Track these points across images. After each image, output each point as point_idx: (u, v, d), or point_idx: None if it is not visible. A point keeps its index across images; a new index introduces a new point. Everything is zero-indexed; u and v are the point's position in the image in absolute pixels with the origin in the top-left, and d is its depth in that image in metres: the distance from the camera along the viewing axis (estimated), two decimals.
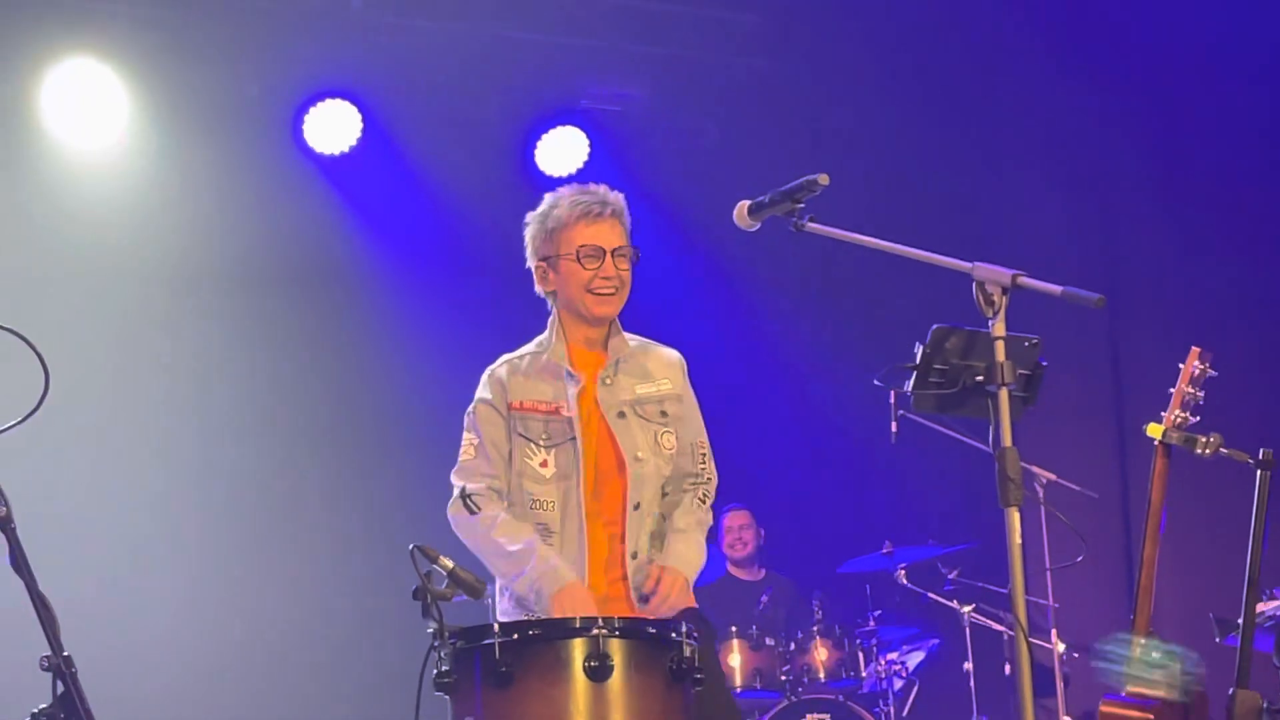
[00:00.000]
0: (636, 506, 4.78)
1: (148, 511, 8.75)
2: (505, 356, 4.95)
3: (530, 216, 4.93)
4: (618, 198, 4.88)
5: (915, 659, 8.58)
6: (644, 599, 4.73)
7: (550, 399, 4.83)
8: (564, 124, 9.57)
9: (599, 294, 4.81)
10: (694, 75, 9.57)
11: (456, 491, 4.82)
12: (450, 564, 4.16)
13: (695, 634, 4.28)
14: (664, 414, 4.88)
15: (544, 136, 9.57)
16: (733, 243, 9.40)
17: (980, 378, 4.14)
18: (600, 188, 4.88)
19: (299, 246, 9.14)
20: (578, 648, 4.12)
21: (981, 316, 4.10)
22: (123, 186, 8.81)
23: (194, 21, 8.72)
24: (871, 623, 8.47)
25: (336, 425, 9.22)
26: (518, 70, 9.32)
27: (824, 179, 4.40)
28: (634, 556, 4.77)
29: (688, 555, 4.84)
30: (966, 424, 7.71)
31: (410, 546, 4.14)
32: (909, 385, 4.27)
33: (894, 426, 7.86)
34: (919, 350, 4.24)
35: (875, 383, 4.42)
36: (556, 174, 9.59)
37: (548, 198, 4.91)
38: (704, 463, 4.99)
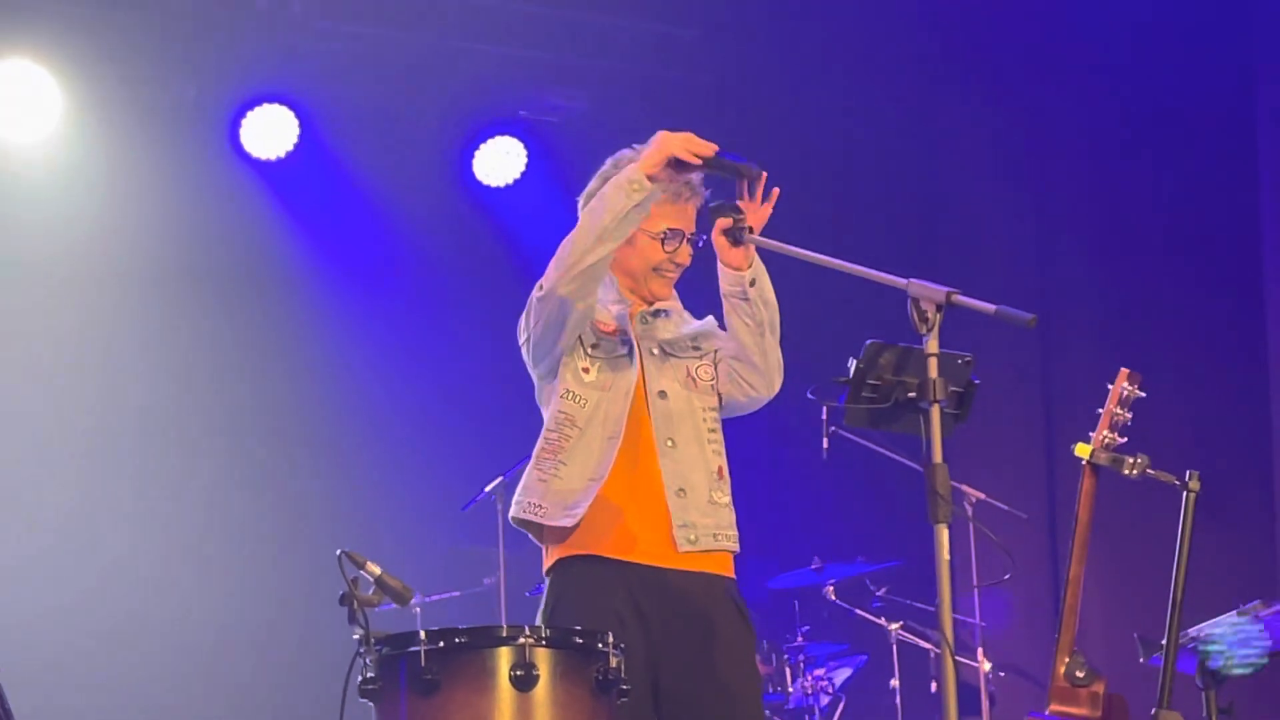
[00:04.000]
0: (670, 443, 4.65)
1: (72, 512, 8.69)
2: None
3: (607, 171, 4.70)
4: (699, 178, 4.71)
5: (842, 675, 8.59)
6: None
7: (612, 321, 4.73)
8: (502, 134, 9.56)
9: (664, 275, 4.78)
10: (634, 88, 9.57)
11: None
12: (377, 570, 4.14)
13: (621, 645, 4.27)
14: (697, 347, 4.80)
15: (482, 146, 9.56)
16: None
17: (913, 394, 4.16)
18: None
19: (233, 251, 9.12)
20: (503, 656, 4.11)
21: (915, 333, 4.12)
22: (56, 187, 8.76)
23: (130, 23, 8.68)
24: (799, 638, 8.48)
25: (267, 430, 9.19)
26: (457, 79, 9.32)
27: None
28: (680, 493, 4.62)
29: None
30: (897, 441, 7.75)
31: (338, 551, 4.12)
32: (842, 399, 4.29)
33: (825, 443, 7.91)
34: (852, 365, 4.26)
35: (809, 395, 4.45)
36: (493, 184, 9.60)
37: (627, 155, 4.67)
38: None
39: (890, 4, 9.26)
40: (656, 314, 4.80)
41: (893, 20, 9.29)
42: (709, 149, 4.51)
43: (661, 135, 4.53)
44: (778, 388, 4.86)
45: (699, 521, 4.64)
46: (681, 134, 4.52)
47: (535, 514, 4.64)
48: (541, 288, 4.57)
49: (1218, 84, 8.76)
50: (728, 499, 4.73)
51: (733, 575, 4.72)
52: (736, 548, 4.72)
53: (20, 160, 8.69)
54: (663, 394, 4.69)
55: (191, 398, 9.03)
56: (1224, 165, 8.76)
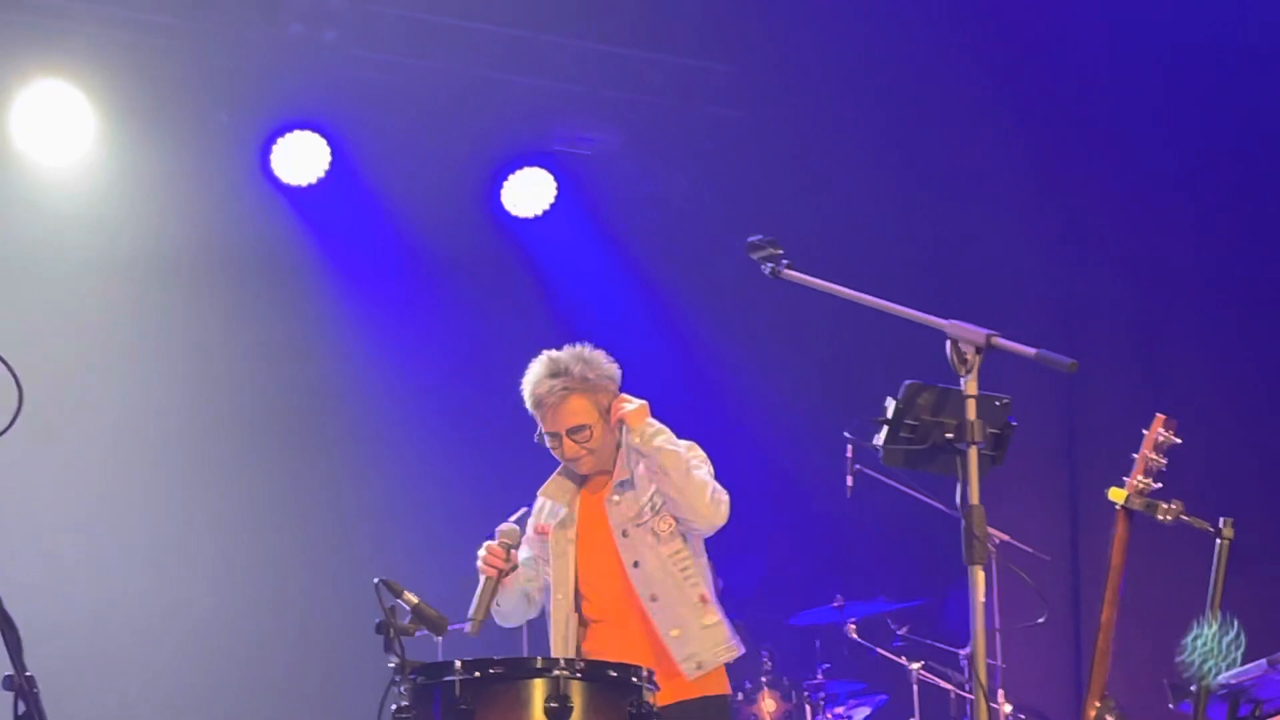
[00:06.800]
0: (654, 598, 5.37)
1: (103, 516, 8.72)
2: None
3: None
4: (583, 374, 5.48)
5: (862, 714, 8.57)
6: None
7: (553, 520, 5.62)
8: (532, 165, 9.59)
9: (572, 460, 5.52)
10: (666, 123, 9.61)
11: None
12: (415, 599, 4.17)
13: (654, 679, 4.28)
14: (652, 507, 5.46)
15: (511, 177, 9.58)
16: (697, 290, 9.46)
17: (950, 435, 4.16)
18: (567, 361, 5.49)
19: (264, 276, 9.14)
20: (538, 688, 4.14)
21: (950, 373, 4.12)
22: (88, 209, 8.78)
23: (164, 47, 8.70)
24: (820, 675, 8.47)
25: (296, 452, 9.19)
26: (488, 110, 9.34)
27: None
28: (676, 634, 5.34)
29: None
30: (921, 480, 7.74)
31: (375, 580, 4.14)
32: (879, 439, 4.29)
33: (849, 480, 7.89)
34: (890, 405, 4.26)
35: (845, 435, 4.47)
36: (522, 214, 9.62)
37: (530, 367, 5.58)
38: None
39: (924, 40, 9.27)
40: (622, 488, 5.50)
41: (927, 55, 9.31)
42: (495, 570, 5.33)
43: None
44: (718, 522, 5.49)
45: (697, 649, 5.36)
46: (484, 557, 5.34)
47: None
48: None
49: (1259, 122, 8.76)
50: (716, 617, 5.45)
51: (728, 691, 5.51)
52: (738, 651, 5.49)
53: (53, 182, 8.72)
54: (636, 564, 5.42)
55: (219, 419, 9.03)
56: (1263, 206, 8.75)
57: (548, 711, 4.09)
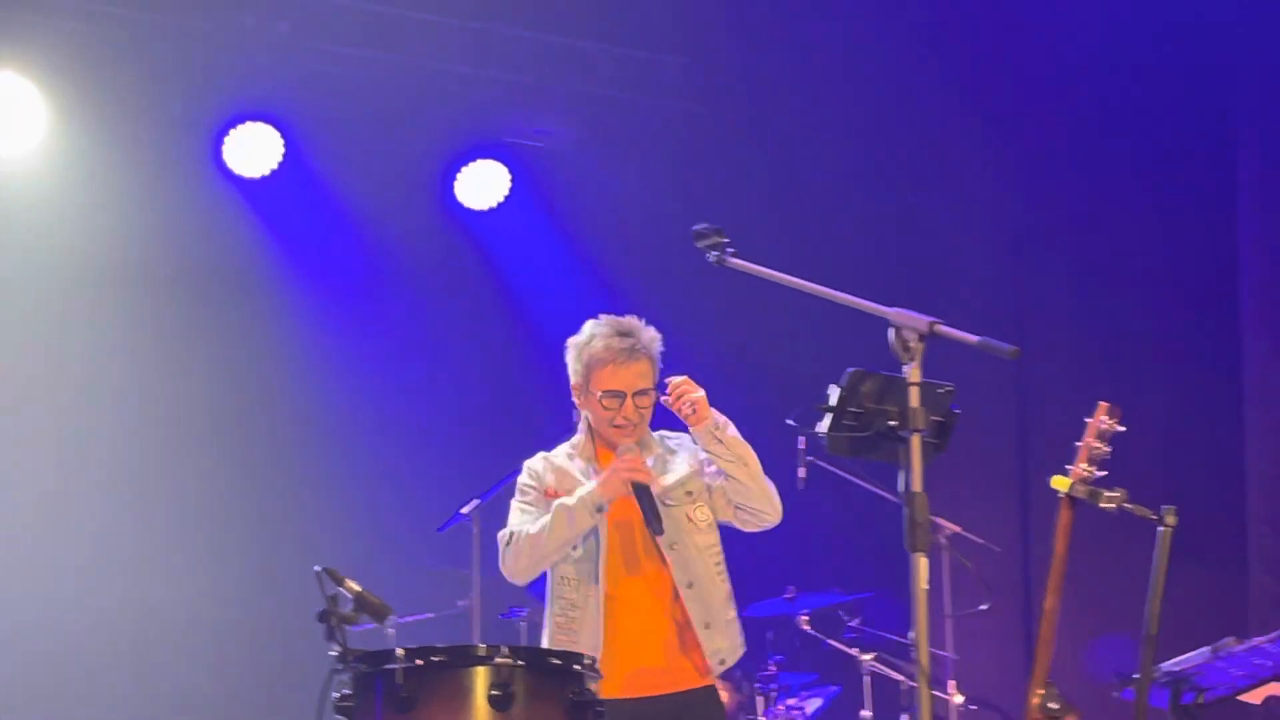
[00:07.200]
0: (690, 585, 5.27)
1: (45, 514, 8.67)
2: (542, 454, 5.47)
3: (570, 342, 5.39)
4: (651, 339, 5.34)
5: (814, 705, 8.57)
6: None
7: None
8: (486, 157, 9.58)
9: (617, 428, 5.29)
10: (619, 115, 9.62)
11: (506, 540, 5.27)
12: (357, 587, 4.15)
13: (596, 667, 4.28)
14: (689, 493, 5.35)
15: (464, 169, 9.57)
16: (650, 282, 9.45)
17: (894, 423, 4.18)
18: (636, 325, 5.33)
19: (216, 267, 9.11)
20: (480, 676, 4.12)
21: (894, 362, 4.14)
22: (40, 201, 8.74)
23: (117, 38, 8.67)
24: (772, 667, 8.46)
25: (245, 447, 9.16)
26: (442, 102, 9.34)
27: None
28: (707, 626, 5.27)
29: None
30: (873, 471, 7.77)
31: (317, 568, 4.12)
32: (823, 426, 4.30)
33: (801, 472, 7.90)
34: (834, 392, 4.27)
35: (789, 422, 4.48)
36: (475, 207, 9.61)
37: (587, 327, 5.37)
38: None
39: (874, 32, 9.31)
40: (652, 466, 5.28)
41: (876, 47, 9.36)
42: (647, 478, 5.19)
43: (614, 474, 5.17)
44: (782, 510, 5.49)
45: (723, 645, 5.31)
46: (627, 464, 5.17)
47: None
48: (504, 566, 5.27)
49: (1200, 121, 8.85)
50: (735, 612, 5.41)
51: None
52: (744, 648, 5.47)
53: (4, 173, 8.67)
54: (674, 546, 5.27)
55: (170, 412, 9.00)
56: (1204, 202, 8.84)
57: (490, 699, 4.08)
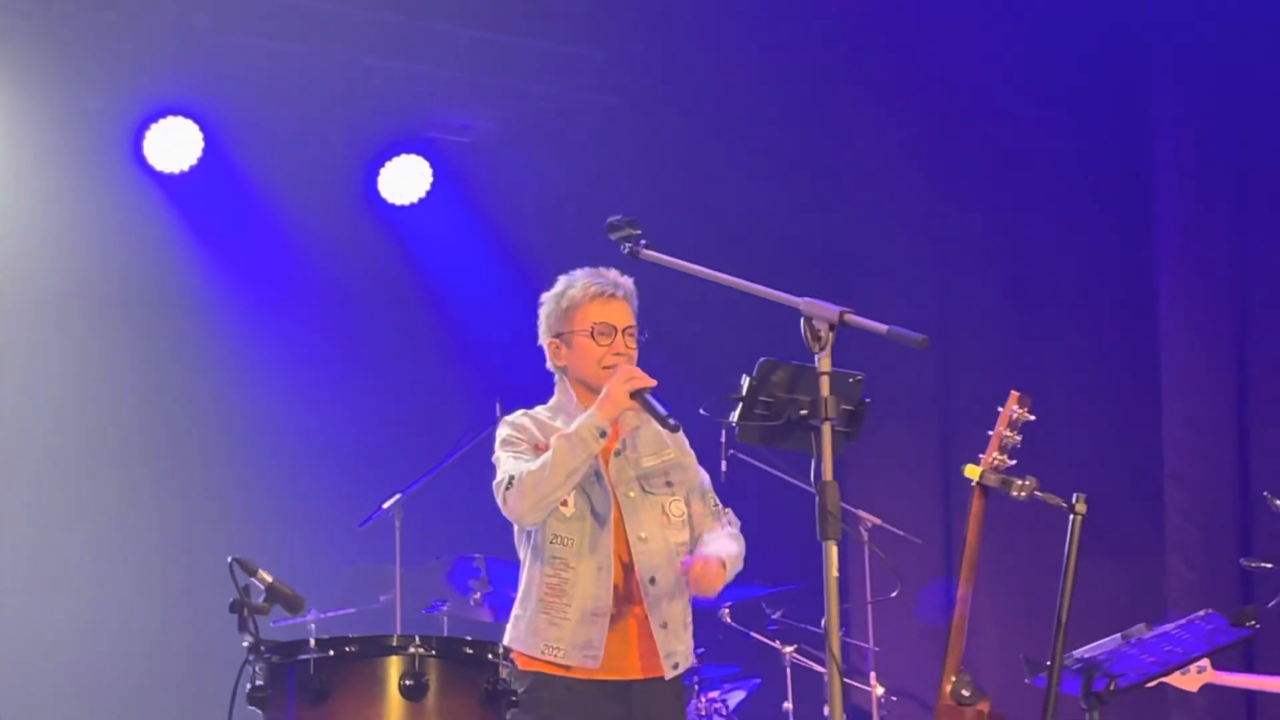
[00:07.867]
0: (653, 581, 5.07)
1: None
2: (522, 410, 5.23)
3: (545, 296, 5.21)
4: (628, 281, 5.18)
5: (736, 698, 8.60)
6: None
7: None
8: (408, 152, 9.56)
9: (608, 368, 5.05)
10: (541, 109, 9.62)
11: (506, 483, 4.98)
12: (269, 578, 4.15)
13: (510, 657, 4.29)
14: (669, 484, 5.20)
15: (387, 164, 9.55)
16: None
17: (804, 412, 4.21)
18: (612, 271, 5.17)
19: (134, 264, 9.02)
20: (393, 666, 4.13)
21: (810, 353, 4.17)
22: None
23: (32, 30, 8.57)
24: (694, 660, 8.49)
25: (164, 446, 9.11)
26: (364, 96, 9.31)
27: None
28: (664, 626, 5.09)
29: (722, 543, 5.21)
30: (794, 464, 7.79)
31: (229, 559, 4.12)
32: (734, 416, 4.33)
33: (723, 465, 7.93)
34: (745, 382, 4.31)
35: (701, 412, 4.50)
36: (398, 202, 9.60)
37: (562, 279, 5.21)
38: (722, 513, 5.40)
39: (791, 21, 9.35)
40: (628, 440, 5.15)
41: (794, 41, 9.39)
42: (649, 382, 4.96)
43: (613, 386, 4.93)
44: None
45: (678, 649, 5.14)
46: (624, 372, 4.96)
47: (553, 656, 4.96)
48: (508, 508, 4.99)
49: (1115, 111, 8.92)
50: (690, 616, 5.26)
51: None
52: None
53: None
54: (643, 538, 5.08)
55: (88, 412, 8.93)
56: (1120, 192, 8.92)
57: (403, 689, 4.09)
